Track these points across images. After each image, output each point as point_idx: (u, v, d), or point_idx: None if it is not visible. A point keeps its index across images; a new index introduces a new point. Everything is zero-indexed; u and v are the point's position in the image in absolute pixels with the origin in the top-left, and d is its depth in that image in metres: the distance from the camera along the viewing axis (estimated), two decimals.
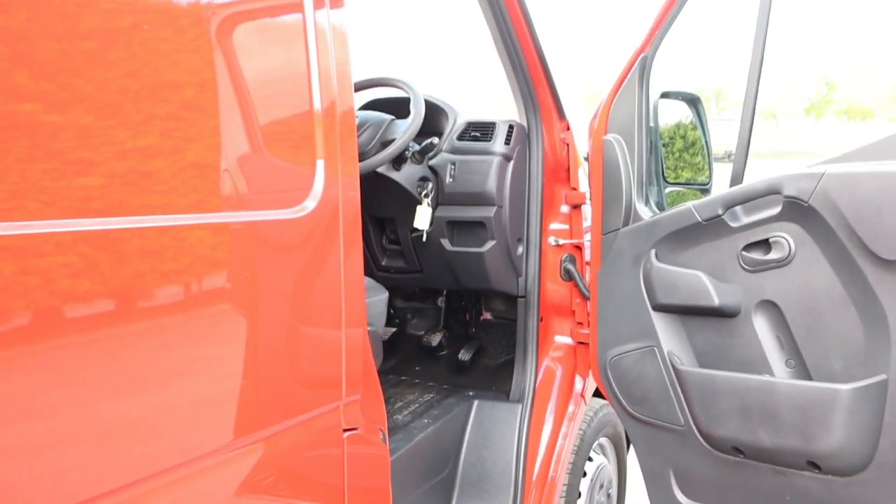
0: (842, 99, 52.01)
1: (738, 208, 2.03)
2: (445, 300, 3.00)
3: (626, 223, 2.28)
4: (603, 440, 2.91)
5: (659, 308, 2.19)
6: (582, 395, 2.64)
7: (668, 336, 2.19)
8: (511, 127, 2.49)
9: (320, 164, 1.38)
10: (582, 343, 2.61)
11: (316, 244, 1.38)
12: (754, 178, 2.08)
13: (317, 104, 1.37)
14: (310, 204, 1.35)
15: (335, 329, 1.43)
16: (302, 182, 1.35)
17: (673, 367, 2.15)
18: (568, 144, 2.61)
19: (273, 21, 1.37)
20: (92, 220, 1.02)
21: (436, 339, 2.88)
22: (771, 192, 1.95)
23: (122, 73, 1.08)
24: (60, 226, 0.98)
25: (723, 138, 3.56)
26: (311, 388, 1.40)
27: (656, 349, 2.19)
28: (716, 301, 2.05)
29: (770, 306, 1.99)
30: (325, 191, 1.37)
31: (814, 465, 1.92)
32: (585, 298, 2.54)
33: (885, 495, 1.84)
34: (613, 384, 2.32)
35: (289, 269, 1.34)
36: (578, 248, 2.62)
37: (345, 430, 1.47)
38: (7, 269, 0.93)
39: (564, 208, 2.63)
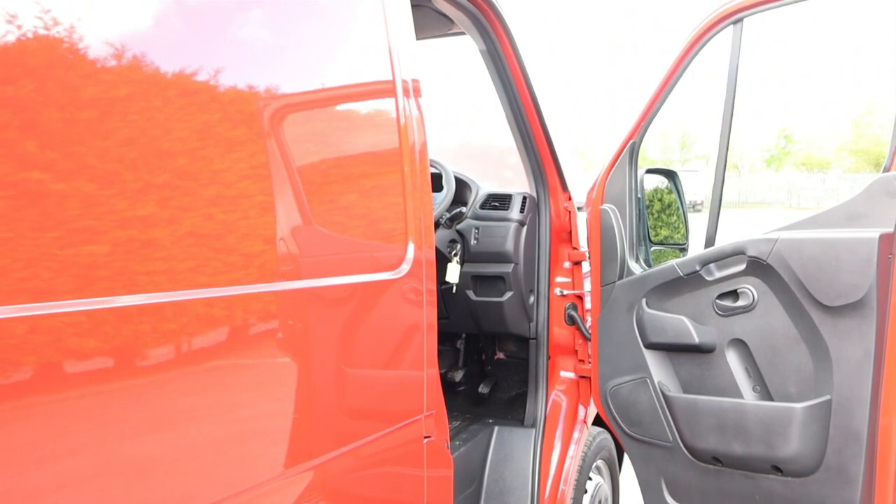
0: (799, 151, 53.97)
1: (711, 265, 2.55)
2: (464, 342, 3.48)
3: (620, 277, 2.79)
4: (599, 462, 3.37)
5: (650, 346, 2.70)
6: (584, 422, 3.12)
7: (658, 369, 2.69)
8: (524, 198, 3.02)
9: (421, 229, 1.88)
10: (584, 377, 3.10)
11: (409, 296, 1.87)
12: (724, 240, 2.62)
13: (407, 181, 1.87)
14: (405, 267, 1.84)
15: (420, 360, 1.91)
16: (400, 251, 1.85)
17: (662, 394, 2.65)
18: (570, 212, 3.13)
19: (376, 110, 1.86)
20: (268, 285, 1.48)
21: (458, 376, 3.36)
22: (737, 252, 2.49)
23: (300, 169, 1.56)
24: (246, 289, 1.44)
25: (689, 188, 4.08)
26: (404, 403, 1.88)
27: (648, 380, 2.69)
28: (696, 340, 2.56)
29: (739, 344, 2.51)
30: (415, 256, 1.87)
31: (777, 469, 2.41)
32: (586, 340, 3.04)
33: (832, 491, 2.33)
34: (613, 410, 2.80)
35: (395, 313, 1.83)
36: (580, 297, 3.12)
37: (424, 437, 1.94)
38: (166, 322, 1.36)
39: (567, 264, 3.14)
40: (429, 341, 1.95)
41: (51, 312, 1.08)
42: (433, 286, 1.96)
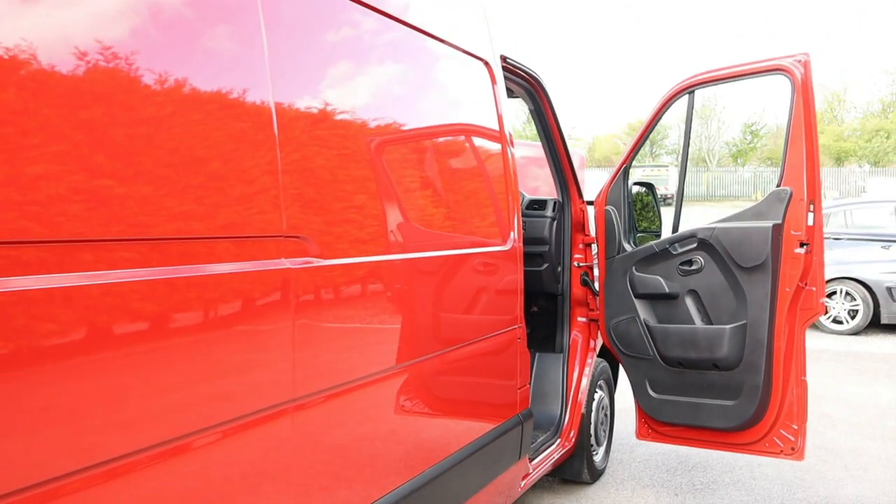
0: (765, 146, 56.12)
1: (676, 244, 4.13)
2: None
3: (618, 253, 4.35)
4: (601, 382, 4.93)
5: (637, 296, 4.26)
6: (593, 350, 4.68)
7: (643, 310, 4.25)
8: (555, 202, 4.57)
9: (515, 222, 3.44)
10: (592, 320, 4.66)
11: (514, 264, 3.42)
12: (684, 227, 4.19)
13: (510, 194, 3.42)
14: (511, 243, 3.39)
15: (517, 293, 3.47)
16: (509, 232, 3.39)
17: (646, 325, 4.21)
18: (583, 211, 4.68)
19: (494, 150, 3.41)
20: (434, 252, 3.00)
21: None
22: (691, 236, 4.06)
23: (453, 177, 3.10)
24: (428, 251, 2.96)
25: (660, 183, 5.63)
26: (510, 317, 3.44)
27: (636, 318, 4.25)
28: (666, 290, 4.13)
29: (693, 293, 4.08)
30: (514, 237, 3.42)
31: (715, 366, 3.99)
32: (595, 295, 4.60)
33: (747, 377, 3.91)
34: (614, 338, 4.36)
35: (507, 267, 3.39)
36: (590, 268, 4.68)
37: (518, 338, 3.51)
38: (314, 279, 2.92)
39: (581, 246, 4.70)
40: (520, 284, 3.51)
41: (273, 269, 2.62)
42: (522, 255, 3.52)
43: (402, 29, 2.72)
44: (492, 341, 3.30)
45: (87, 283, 1.49)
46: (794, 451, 3.89)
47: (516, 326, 3.52)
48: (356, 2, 2.44)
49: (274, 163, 1.98)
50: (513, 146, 3.56)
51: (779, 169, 3.95)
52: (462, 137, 3.21)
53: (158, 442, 1.64)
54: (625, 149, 4.44)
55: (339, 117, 2.32)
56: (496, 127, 3.43)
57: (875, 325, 10.31)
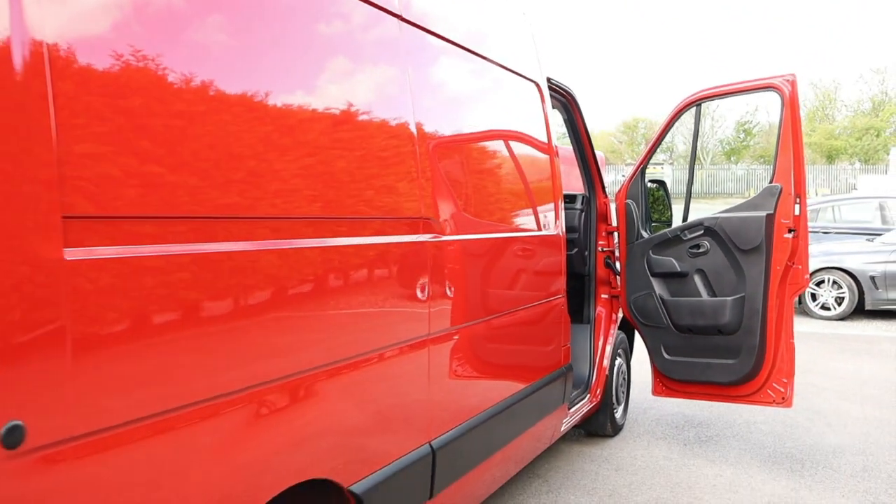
0: (757, 144, 57.12)
1: (686, 231, 4.97)
2: None
3: (637, 239, 5.20)
4: (620, 350, 5.78)
5: (653, 275, 5.10)
6: (614, 322, 5.53)
7: (658, 286, 5.10)
8: (583, 197, 5.41)
9: (561, 214, 4.28)
10: (614, 297, 5.50)
11: (559, 247, 4.27)
12: (692, 217, 5.04)
13: (556, 191, 4.27)
14: (558, 230, 4.23)
15: (561, 270, 4.31)
16: (557, 221, 4.24)
17: (660, 299, 5.06)
18: (607, 204, 5.53)
19: (544, 156, 4.25)
20: (496, 234, 3.83)
21: None
22: (699, 224, 4.91)
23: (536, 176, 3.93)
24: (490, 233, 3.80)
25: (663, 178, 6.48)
26: (557, 288, 4.28)
27: (653, 293, 5.09)
28: (678, 269, 4.98)
29: (700, 271, 4.93)
30: (560, 225, 4.26)
31: (719, 331, 4.84)
32: (616, 275, 5.44)
33: (745, 340, 4.75)
34: (634, 311, 5.21)
35: (555, 249, 4.23)
36: (612, 252, 5.52)
37: (562, 305, 4.36)
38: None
39: (605, 234, 5.54)
40: (564, 263, 4.36)
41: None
42: (565, 240, 4.37)
43: (481, 62, 3.56)
44: (547, 305, 4.16)
45: (312, 245, 2.29)
46: (785, 399, 4.75)
47: (561, 296, 4.37)
48: (456, 45, 3.28)
49: (416, 169, 2.82)
50: (557, 155, 4.41)
51: (771, 167, 4.80)
52: (525, 147, 4.06)
53: (351, 355, 2.45)
54: (641, 151, 5.29)
55: (448, 135, 3.17)
56: (545, 138, 4.28)
57: (860, 311, 11.18)
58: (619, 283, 5.41)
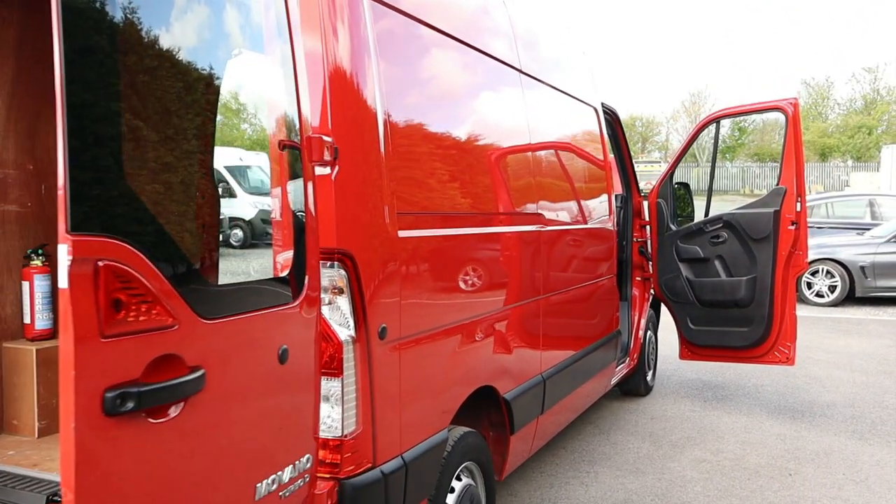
0: (752, 142, 58.37)
1: (708, 224, 6.14)
2: None
3: (666, 231, 6.35)
4: (650, 325, 6.94)
5: (681, 260, 6.26)
6: (647, 300, 6.69)
7: (684, 270, 6.26)
8: (622, 196, 6.56)
9: (614, 212, 5.45)
10: (646, 279, 6.66)
11: (612, 237, 5.43)
12: (712, 212, 6.20)
13: (611, 193, 5.43)
14: (612, 224, 5.39)
15: (614, 255, 5.47)
16: (612, 216, 5.40)
17: (687, 280, 6.22)
18: (640, 203, 6.68)
19: (602, 167, 5.41)
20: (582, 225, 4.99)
21: None
22: (719, 219, 6.08)
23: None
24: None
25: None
26: (610, 270, 5.44)
27: (680, 275, 6.25)
28: (702, 255, 6.14)
29: (720, 257, 6.10)
30: (613, 220, 5.42)
31: (735, 305, 6.01)
32: (649, 261, 6.59)
33: (756, 312, 5.91)
34: (664, 289, 6.37)
35: (611, 240, 5.39)
36: (644, 242, 6.67)
37: (613, 283, 5.52)
38: None
39: (639, 227, 6.69)
40: (615, 249, 5.52)
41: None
42: (616, 232, 5.54)
43: (562, 95, 4.72)
44: (606, 282, 5.33)
45: (513, 231, 3.48)
46: (789, 359, 5.91)
47: (613, 276, 5.53)
48: (549, 86, 4.43)
49: (531, 176, 3.97)
50: (609, 161, 5.58)
51: (766, 166, 6.01)
52: (590, 158, 5.21)
53: (512, 304, 3.63)
54: (670, 159, 6.44)
55: (546, 153, 4.33)
56: (601, 154, 5.44)
57: (850, 298, 12.36)
58: (650, 268, 6.56)
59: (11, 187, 3.59)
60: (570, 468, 4.98)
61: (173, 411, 1.66)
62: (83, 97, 1.49)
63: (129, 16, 1.61)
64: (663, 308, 6.83)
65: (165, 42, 1.72)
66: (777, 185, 5.90)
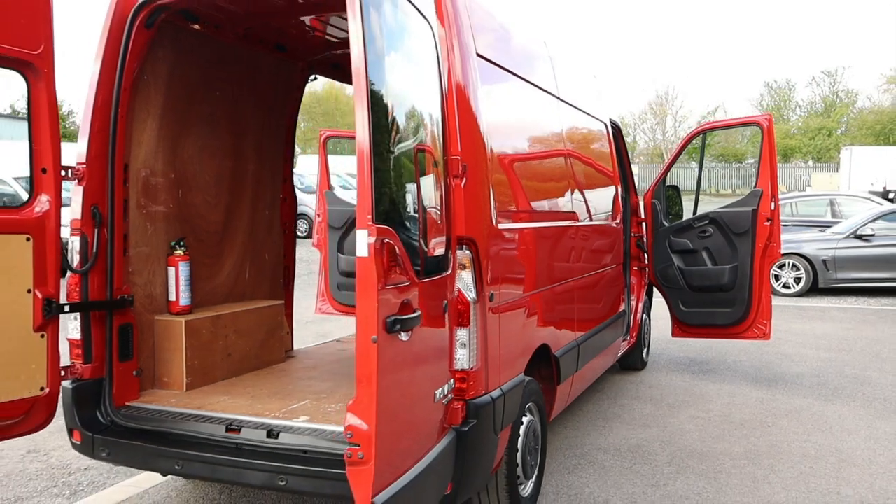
0: (717, 143, 60.18)
1: (696, 221, 7.21)
2: None
3: (660, 227, 7.41)
4: (646, 308, 7.99)
5: (673, 252, 7.33)
6: (644, 287, 7.74)
7: (676, 260, 7.32)
8: (623, 197, 7.61)
9: (621, 211, 6.49)
10: (643, 269, 7.72)
11: (620, 232, 6.46)
12: (700, 211, 7.27)
13: (617, 195, 6.46)
14: (617, 221, 6.42)
15: (621, 244, 6.51)
16: (619, 214, 6.43)
17: (679, 268, 7.28)
18: (637, 201, 7.72)
19: (612, 173, 6.44)
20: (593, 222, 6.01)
21: None
22: (706, 216, 7.15)
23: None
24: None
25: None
26: (619, 259, 6.48)
27: (672, 264, 7.31)
28: (691, 247, 7.21)
29: (707, 249, 7.17)
30: (620, 217, 6.45)
31: (720, 289, 7.08)
32: (644, 253, 7.64)
33: (738, 294, 6.99)
34: (659, 277, 7.42)
35: (620, 234, 6.42)
36: (641, 237, 7.72)
37: (619, 271, 6.55)
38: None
39: (636, 223, 7.74)
40: (622, 242, 6.55)
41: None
42: (622, 227, 6.58)
43: (583, 114, 5.73)
44: (618, 269, 6.38)
45: (561, 226, 4.49)
46: (766, 335, 6.98)
47: (620, 264, 6.57)
48: (576, 108, 5.45)
49: (567, 180, 4.99)
50: (618, 171, 6.62)
51: (731, 167, 7.05)
52: (605, 166, 6.24)
53: (580, 275, 4.63)
54: (662, 166, 7.51)
55: (576, 161, 5.34)
56: (611, 161, 6.47)
57: (814, 289, 13.59)
58: (646, 259, 7.61)
59: (160, 192, 4.50)
60: (590, 424, 6.00)
61: (405, 336, 2.63)
62: (379, 123, 2.49)
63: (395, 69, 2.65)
64: (655, 294, 7.89)
65: (396, 90, 2.74)
66: (755, 187, 6.97)
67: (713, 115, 61.89)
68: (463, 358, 3.32)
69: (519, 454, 4.03)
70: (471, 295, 3.36)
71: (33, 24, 3.56)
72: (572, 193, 5.05)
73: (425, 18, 3.08)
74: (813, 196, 17.36)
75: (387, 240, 2.46)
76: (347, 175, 21.27)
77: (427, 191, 2.96)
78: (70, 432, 3.94)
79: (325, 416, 3.87)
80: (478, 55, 3.68)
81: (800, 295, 13.46)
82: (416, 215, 2.83)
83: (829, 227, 14.66)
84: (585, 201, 5.45)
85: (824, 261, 13.36)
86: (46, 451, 5.46)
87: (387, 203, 2.57)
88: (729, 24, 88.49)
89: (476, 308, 3.38)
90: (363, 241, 2.38)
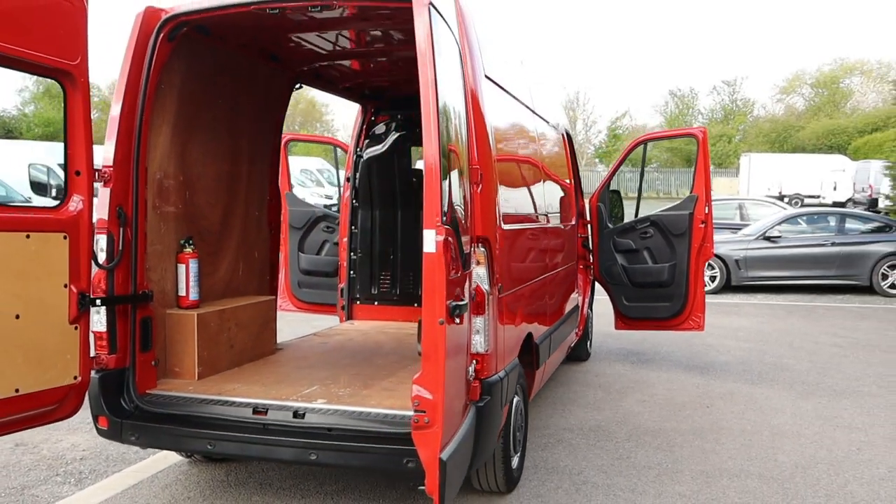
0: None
1: (638, 223, 7.90)
2: None
3: (605, 228, 8.06)
4: (590, 304, 8.64)
5: (617, 251, 7.99)
6: (589, 283, 8.38)
7: (620, 258, 7.98)
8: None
9: (576, 214, 7.08)
10: (588, 267, 8.36)
11: (576, 231, 7.04)
12: (641, 213, 7.96)
13: (574, 199, 7.06)
14: (573, 223, 7.01)
15: (574, 247, 7.10)
16: (574, 216, 7.01)
17: (622, 266, 7.95)
18: (583, 205, 8.35)
19: (569, 179, 7.04)
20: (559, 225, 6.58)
21: None
22: (647, 219, 7.85)
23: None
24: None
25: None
26: (573, 258, 7.07)
27: (616, 263, 7.98)
28: (634, 247, 7.89)
29: (648, 248, 7.86)
30: (575, 220, 7.04)
31: (660, 285, 7.79)
32: (590, 252, 8.27)
33: (675, 290, 7.71)
34: (604, 274, 8.07)
35: (574, 237, 7.01)
36: (587, 238, 8.36)
37: (582, 266, 7.16)
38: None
39: (582, 225, 8.37)
40: (578, 242, 7.16)
41: None
42: (577, 227, 7.17)
43: (547, 125, 6.28)
44: (574, 267, 6.95)
45: (538, 227, 5.00)
46: (700, 326, 7.71)
47: (575, 262, 7.16)
48: (545, 120, 5.99)
49: (541, 185, 5.52)
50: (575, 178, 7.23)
51: (661, 172, 7.76)
52: (565, 171, 6.81)
53: (552, 271, 5.15)
54: (606, 173, 8.17)
55: (547, 170, 5.89)
56: (567, 167, 7.06)
57: (728, 286, 14.68)
58: (591, 258, 8.25)
59: (171, 193, 4.77)
60: (551, 408, 6.56)
61: (458, 321, 3.09)
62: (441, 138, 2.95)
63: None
64: (598, 290, 8.55)
65: (446, 107, 3.23)
66: (690, 192, 7.71)
67: (621, 120, 64.44)
68: (478, 342, 3.78)
69: (511, 429, 4.52)
70: (486, 287, 3.83)
71: (72, 37, 3.81)
72: (545, 198, 5.59)
73: (457, 42, 3.54)
74: (723, 200, 18.65)
75: (449, 238, 2.92)
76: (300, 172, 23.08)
77: (461, 197, 3.42)
78: (96, 419, 4.18)
79: (340, 399, 4.26)
80: (486, 77, 4.16)
81: (715, 292, 14.51)
82: (461, 218, 3.29)
83: (739, 229, 15.82)
84: (554, 205, 6.00)
85: (737, 260, 14.46)
86: (35, 444, 5.60)
87: (446, 207, 3.02)
88: (636, 33, 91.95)
89: (489, 298, 3.85)
90: (431, 239, 2.83)
